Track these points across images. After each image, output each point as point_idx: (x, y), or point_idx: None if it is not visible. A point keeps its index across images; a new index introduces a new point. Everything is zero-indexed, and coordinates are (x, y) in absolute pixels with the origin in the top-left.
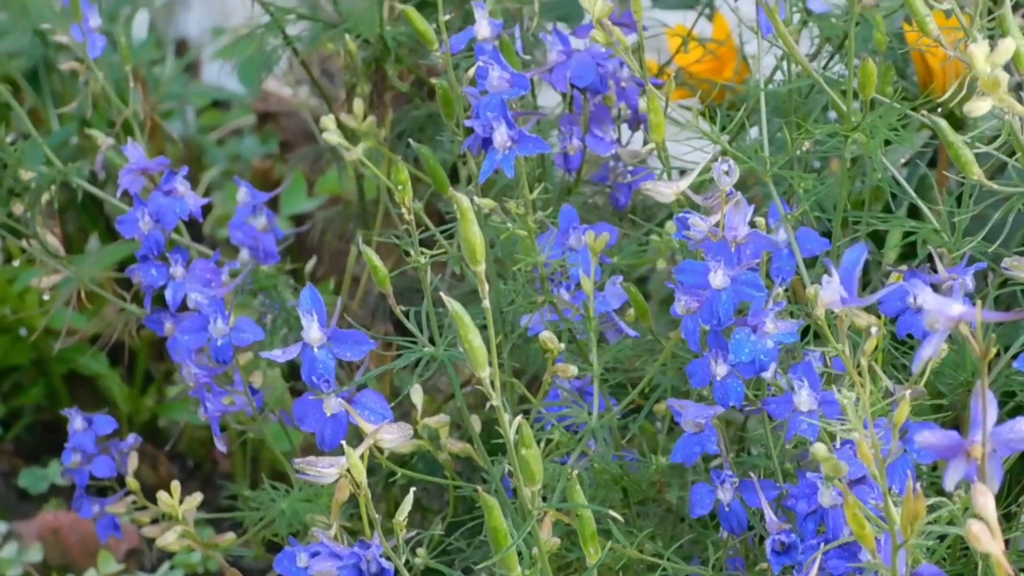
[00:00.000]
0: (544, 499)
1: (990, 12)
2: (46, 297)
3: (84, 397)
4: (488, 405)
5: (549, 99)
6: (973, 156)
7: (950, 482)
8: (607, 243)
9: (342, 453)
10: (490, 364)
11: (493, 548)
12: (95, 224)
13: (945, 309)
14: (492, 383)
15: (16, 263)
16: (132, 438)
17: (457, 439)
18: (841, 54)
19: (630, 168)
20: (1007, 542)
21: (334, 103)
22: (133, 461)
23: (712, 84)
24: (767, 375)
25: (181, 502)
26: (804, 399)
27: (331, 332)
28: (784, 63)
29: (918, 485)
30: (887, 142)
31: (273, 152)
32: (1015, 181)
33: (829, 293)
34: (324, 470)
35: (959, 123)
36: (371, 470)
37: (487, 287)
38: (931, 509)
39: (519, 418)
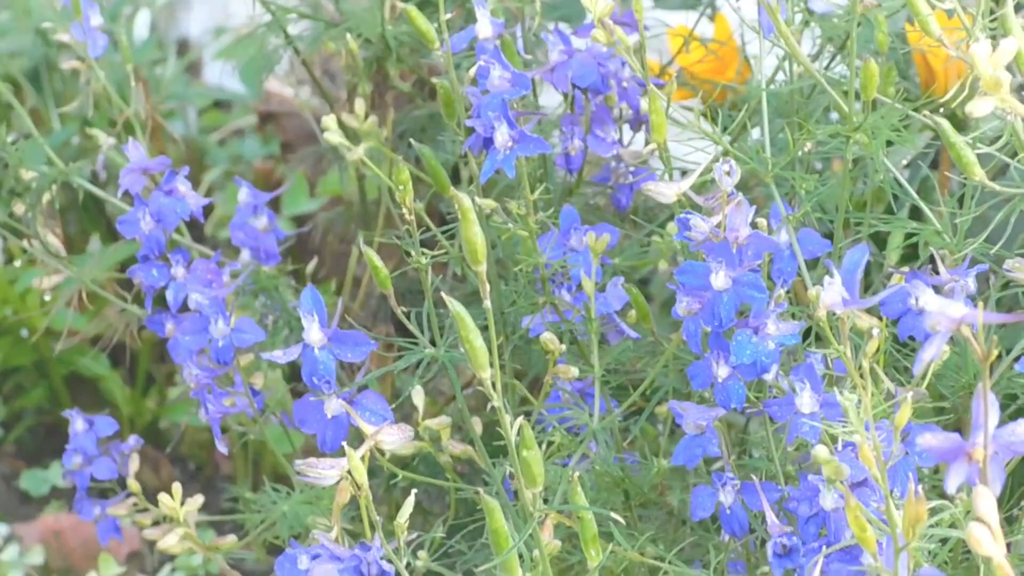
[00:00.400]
0: (545, 501)
1: (992, 12)
2: (47, 298)
3: (85, 399)
4: (489, 407)
5: (550, 99)
6: (975, 157)
7: (951, 485)
8: (608, 244)
9: (343, 455)
10: (491, 365)
11: (494, 550)
12: (96, 224)
13: (947, 311)
14: (493, 384)
15: (17, 264)
16: (133, 440)
17: (458, 441)
18: (843, 55)
19: (631, 169)
20: (1008, 545)
21: (335, 103)
22: (134, 463)
23: (714, 84)
24: (768, 377)
25: (182, 504)
26: (806, 401)
27: (332, 333)
28: (786, 64)
29: (919, 488)
30: (889, 143)
31: (274, 153)
32: (1017, 182)
33: (831, 295)
34: (325, 472)
35: (961, 124)
36: (372, 472)
37: (488, 288)
38: (933, 512)
39: (520, 420)
